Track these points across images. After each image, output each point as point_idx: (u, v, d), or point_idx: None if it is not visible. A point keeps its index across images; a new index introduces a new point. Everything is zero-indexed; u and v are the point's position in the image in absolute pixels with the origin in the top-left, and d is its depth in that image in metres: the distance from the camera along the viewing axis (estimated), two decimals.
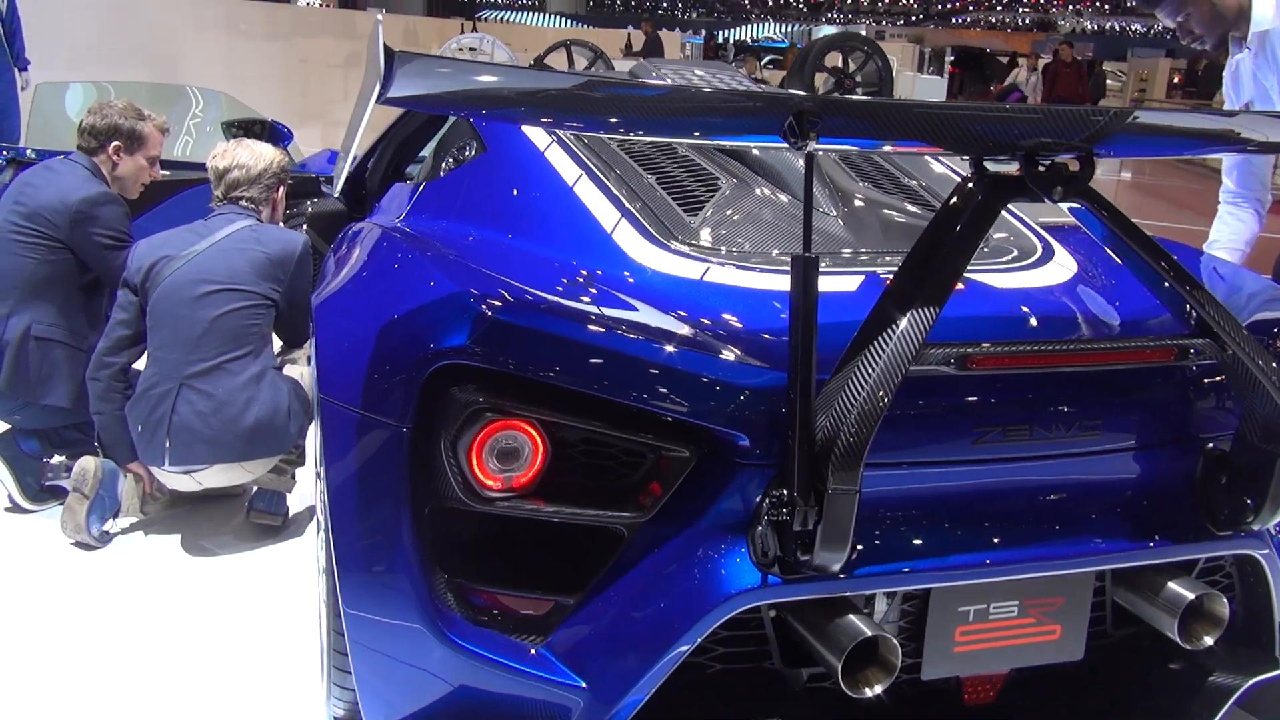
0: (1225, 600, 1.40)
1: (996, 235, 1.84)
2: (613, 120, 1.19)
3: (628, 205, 1.74)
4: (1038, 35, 34.21)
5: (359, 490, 1.35)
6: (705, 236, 1.69)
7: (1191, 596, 1.39)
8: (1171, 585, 1.41)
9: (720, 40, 25.26)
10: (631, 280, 1.53)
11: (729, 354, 1.31)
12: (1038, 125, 1.19)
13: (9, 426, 2.72)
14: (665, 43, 14.58)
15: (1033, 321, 1.49)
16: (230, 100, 4.37)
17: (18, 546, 2.49)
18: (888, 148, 1.82)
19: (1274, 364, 1.30)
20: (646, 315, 1.39)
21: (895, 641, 1.24)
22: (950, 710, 1.46)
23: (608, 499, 1.30)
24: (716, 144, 2.07)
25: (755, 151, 2.04)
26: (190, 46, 8.23)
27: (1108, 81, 16.42)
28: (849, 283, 1.58)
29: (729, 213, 1.78)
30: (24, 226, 2.59)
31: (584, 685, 1.26)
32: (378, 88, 0.99)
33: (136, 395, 2.39)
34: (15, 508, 2.65)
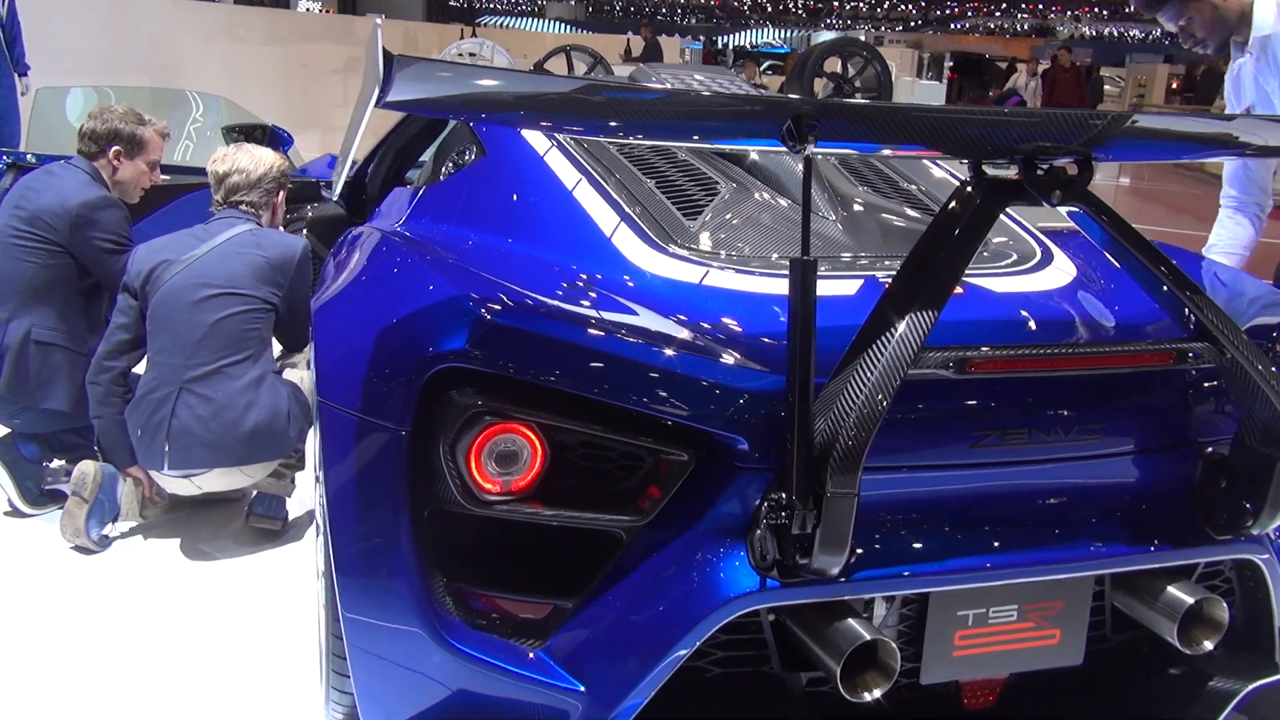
0: (1225, 605, 1.40)
1: (996, 239, 1.85)
2: (612, 124, 1.19)
3: (627, 209, 1.74)
4: (1036, 41, 34.30)
5: (358, 493, 1.35)
6: (704, 241, 1.70)
7: (1191, 601, 1.38)
8: (1171, 590, 1.41)
9: (719, 46, 25.30)
10: (630, 284, 1.54)
11: (728, 357, 1.31)
12: (1036, 129, 1.20)
13: (9, 431, 2.72)
14: (664, 48, 14.62)
15: (1031, 325, 1.49)
16: (230, 105, 4.38)
17: (17, 551, 2.49)
18: (887, 151, 1.83)
19: (1273, 368, 1.30)
20: (645, 319, 1.39)
21: (894, 646, 1.24)
22: (950, 715, 1.46)
23: (606, 502, 1.29)
24: (715, 149, 2.07)
25: (754, 156, 2.04)
26: (190, 52, 8.26)
27: (1105, 87, 16.46)
28: (848, 286, 1.58)
29: (728, 217, 1.79)
30: (24, 231, 2.59)
31: (582, 689, 1.26)
32: (376, 91, 0.99)
33: (136, 399, 2.39)
34: (15, 512, 2.64)
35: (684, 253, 1.63)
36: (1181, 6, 2.48)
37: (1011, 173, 1.25)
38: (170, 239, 2.47)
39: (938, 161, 2.28)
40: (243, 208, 2.54)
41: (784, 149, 1.14)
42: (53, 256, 2.61)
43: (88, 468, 2.47)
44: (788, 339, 1.18)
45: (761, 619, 1.34)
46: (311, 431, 2.17)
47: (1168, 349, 1.33)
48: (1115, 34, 46.21)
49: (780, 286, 1.23)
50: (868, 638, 1.22)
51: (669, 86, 1.91)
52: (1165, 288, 1.33)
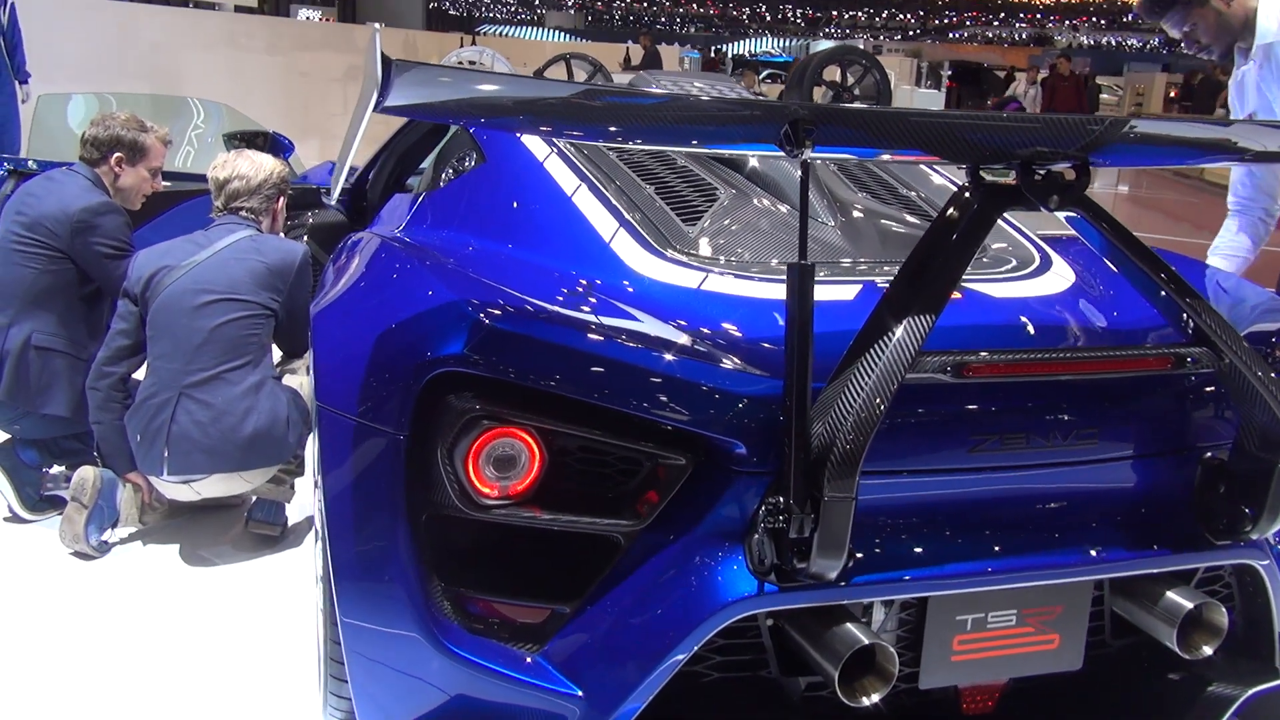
0: (1224, 610, 1.40)
1: (995, 245, 1.85)
2: (611, 129, 1.20)
3: (626, 215, 1.74)
4: (1034, 50, 34.43)
5: (356, 498, 1.35)
6: (702, 246, 1.70)
7: (1190, 606, 1.38)
8: (1170, 595, 1.41)
9: (713, 54, 25.38)
10: (628, 289, 1.54)
11: (726, 362, 1.31)
12: (1034, 134, 1.20)
13: (9, 436, 2.72)
14: (664, 57, 14.67)
15: (1030, 330, 1.50)
16: (232, 112, 4.39)
17: (16, 556, 2.49)
18: (886, 156, 1.83)
19: (1272, 373, 1.30)
20: (643, 324, 1.39)
21: (892, 650, 1.23)
22: None
23: (604, 507, 1.30)
24: (715, 155, 2.08)
25: (754, 163, 2.05)
26: (191, 60, 8.29)
27: (1102, 96, 16.51)
28: (846, 292, 1.59)
29: (727, 222, 1.79)
30: (25, 236, 2.59)
31: (580, 694, 1.26)
32: (375, 96, 1.00)
33: (135, 405, 2.39)
34: (14, 517, 2.64)
35: (682, 258, 1.63)
36: (1185, 13, 2.49)
37: (1009, 178, 1.25)
38: (170, 245, 2.47)
39: (937, 168, 2.29)
40: (243, 214, 2.54)
41: (782, 154, 1.14)
42: (54, 262, 2.61)
43: (87, 473, 2.46)
44: (785, 343, 1.18)
45: (760, 623, 1.34)
46: (311, 437, 2.17)
47: (1166, 354, 1.34)
48: (1113, 43, 46.38)
49: (778, 291, 1.23)
50: (866, 642, 1.21)
51: (668, 91, 1.92)
52: (1163, 293, 1.34)
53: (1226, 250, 2.63)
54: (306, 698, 1.95)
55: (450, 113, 1.27)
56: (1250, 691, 1.48)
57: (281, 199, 2.64)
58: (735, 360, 1.32)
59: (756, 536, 1.22)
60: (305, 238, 3.17)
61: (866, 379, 1.15)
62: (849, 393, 1.16)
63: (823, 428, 1.17)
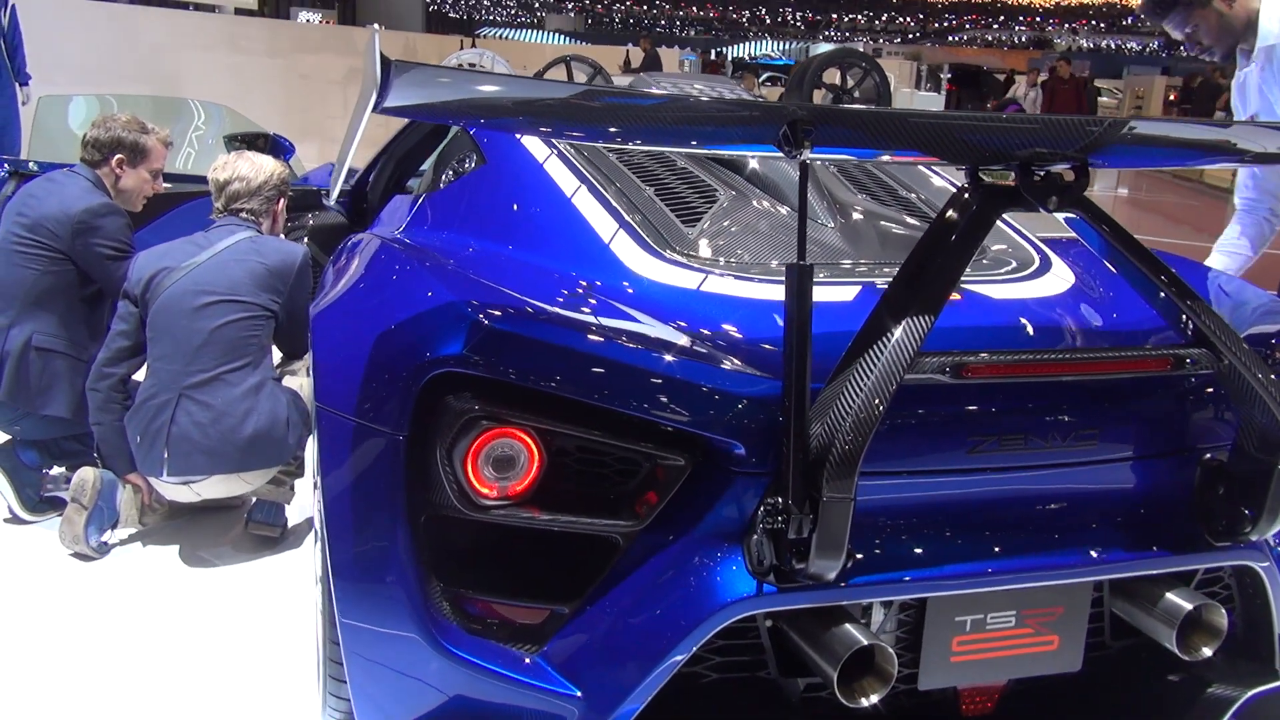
0: (1224, 611, 1.39)
1: (995, 247, 1.85)
2: (610, 130, 1.20)
3: (625, 216, 1.75)
4: (1034, 53, 34.46)
5: (355, 498, 1.35)
6: (702, 247, 1.70)
7: (1190, 607, 1.38)
8: (1170, 596, 1.40)
9: (714, 57, 25.40)
10: (627, 290, 1.54)
11: (725, 363, 1.31)
12: (1033, 135, 1.20)
13: (9, 437, 2.72)
14: (663, 60, 14.68)
15: (1029, 331, 1.50)
16: (233, 114, 4.40)
17: (16, 557, 2.49)
18: (886, 158, 1.83)
19: (1271, 375, 1.30)
20: (642, 324, 1.39)
21: (891, 651, 1.23)
22: None
23: (603, 507, 1.30)
24: (715, 156, 2.08)
25: (754, 165, 2.05)
26: (191, 62, 8.29)
27: (1101, 99, 16.52)
28: (846, 293, 1.59)
29: (726, 224, 1.79)
30: (26, 238, 2.60)
31: (579, 694, 1.26)
32: (374, 96, 1.00)
33: (135, 406, 2.39)
34: (14, 518, 2.64)
35: (682, 259, 1.63)
36: (1187, 14, 2.49)
37: (1008, 179, 1.25)
38: (170, 246, 2.48)
39: (937, 170, 2.29)
40: (243, 215, 2.55)
41: (781, 155, 1.14)
42: (54, 263, 2.61)
43: (87, 474, 2.46)
44: (784, 344, 1.18)
45: (759, 624, 1.34)
46: (311, 438, 2.17)
47: (1165, 355, 1.34)
48: (1113, 46, 46.43)
49: (778, 293, 1.23)
50: (865, 643, 1.21)
51: (668, 92, 1.92)
52: (1163, 294, 1.34)
53: (1229, 247, 2.63)
54: (306, 698, 1.95)
55: (449, 113, 1.27)
56: (1250, 693, 1.48)
57: (282, 201, 2.64)
58: (734, 361, 1.32)
59: (755, 537, 1.22)
60: (305, 239, 3.17)
61: (865, 380, 1.15)
62: (848, 393, 1.16)
63: (821, 428, 1.17)
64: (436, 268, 1.60)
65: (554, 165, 1.95)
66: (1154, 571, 1.41)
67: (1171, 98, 16.68)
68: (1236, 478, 1.38)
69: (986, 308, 1.57)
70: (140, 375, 2.46)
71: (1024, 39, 48.24)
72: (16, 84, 5.60)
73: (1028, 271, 1.75)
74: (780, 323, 1.20)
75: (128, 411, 2.41)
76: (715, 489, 1.28)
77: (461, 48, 10.82)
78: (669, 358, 1.29)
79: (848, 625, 1.25)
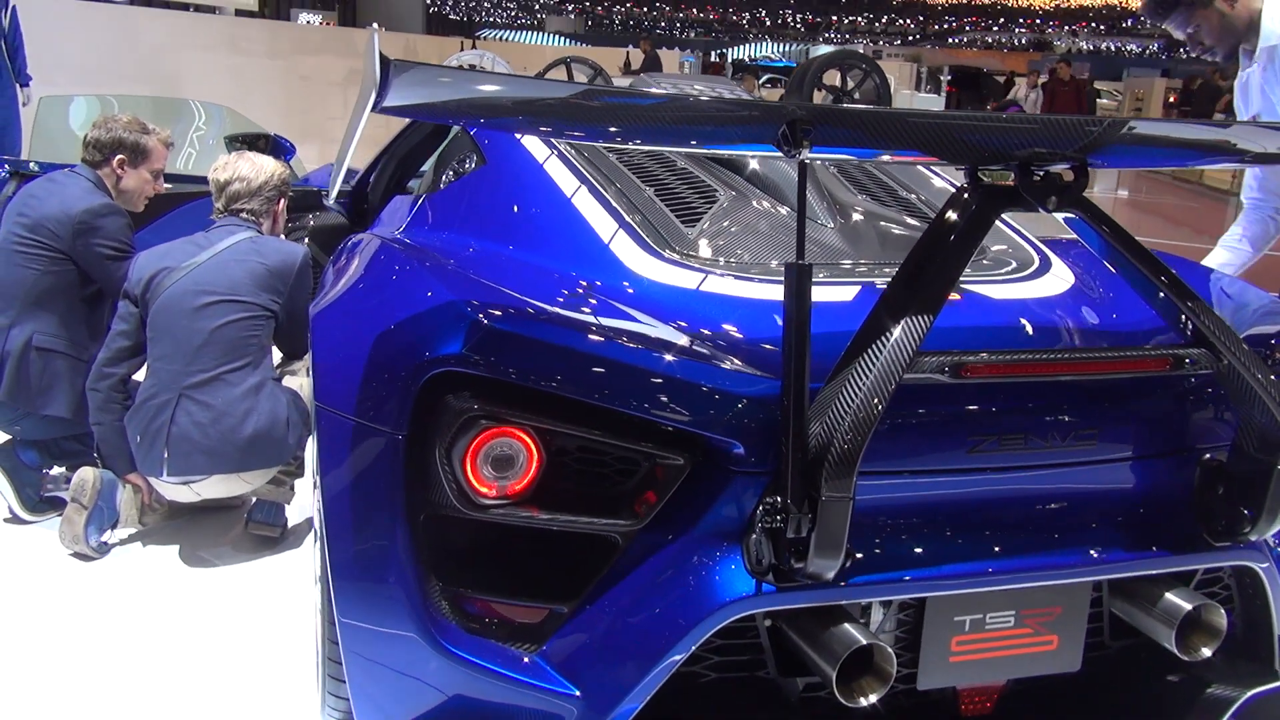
0: (1223, 611, 1.39)
1: (995, 247, 1.85)
2: (609, 129, 1.20)
3: (625, 216, 1.75)
4: (1034, 55, 34.49)
5: (354, 497, 1.35)
6: (701, 247, 1.70)
7: (1189, 608, 1.38)
8: (1169, 596, 1.40)
9: (715, 58, 25.41)
10: (626, 290, 1.54)
11: (724, 362, 1.31)
12: (1032, 135, 1.20)
13: (9, 437, 2.72)
14: (664, 62, 14.70)
15: (1029, 332, 1.50)
16: (233, 115, 4.40)
17: (16, 557, 2.49)
18: (886, 157, 1.83)
19: (1270, 375, 1.30)
20: (641, 324, 1.39)
21: (890, 650, 1.23)
22: None
23: (602, 506, 1.30)
24: (715, 157, 2.09)
25: (755, 165, 2.05)
26: (192, 64, 8.30)
27: (1101, 100, 16.53)
28: (846, 293, 1.59)
29: (726, 224, 1.80)
30: (27, 238, 2.60)
31: (578, 694, 1.26)
32: (373, 96, 1.00)
33: (136, 406, 2.39)
34: (14, 518, 2.64)
35: (681, 259, 1.64)
36: (1189, 14, 2.49)
37: (1007, 179, 1.25)
38: (171, 246, 2.48)
39: (937, 171, 2.29)
40: (243, 215, 2.55)
41: (781, 156, 1.14)
42: (55, 263, 2.62)
43: (87, 474, 2.46)
44: (783, 343, 1.18)
45: (758, 623, 1.34)
46: (311, 438, 2.17)
47: (1164, 355, 1.34)
48: (1112, 48, 46.46)
49: (777, 292, 1.23)
50: (863, 642, 1.21)
51: (667, 92, 1.92)
52: (1162, 295, 1.34)
53: (1231, 243, 2.63)
54: (305, 698, 1.95)
55: (449, 113, 1.27)
56: (1250, 693, 1.48)
57: (282, 201, 2.65)
58: (733, 361, 1.32)
59: (754, 536, 1.22)
60: (306, 240, 3.17)
61: (864, 379, 1.15)
62: (847, 393, 1.16)
63: (820, 428, 1.17)
64: (436, 267, 1.60)
65: (554, 165, 1.95)
66: (1153, 571, 1.41)
67: (1171, 100, 16.69)
68: (1236, 478, 1.38)
69: (986, 308, 1.57)
70: (140, 375, 2.46)
71: (1024, 41, 48.26)
72: (17, 85, 5.60)
73: (1027, 272, 1.75)
74: (780, 322, 1.21)
75: (128, 411, 2.41)
76: (714, 488, 1.28)
77: (462, 49, 10.83)
78: (668, 357, 1.30)
79: (846, 625, 1.25)
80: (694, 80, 2.56)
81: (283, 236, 2.69)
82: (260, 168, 2.58)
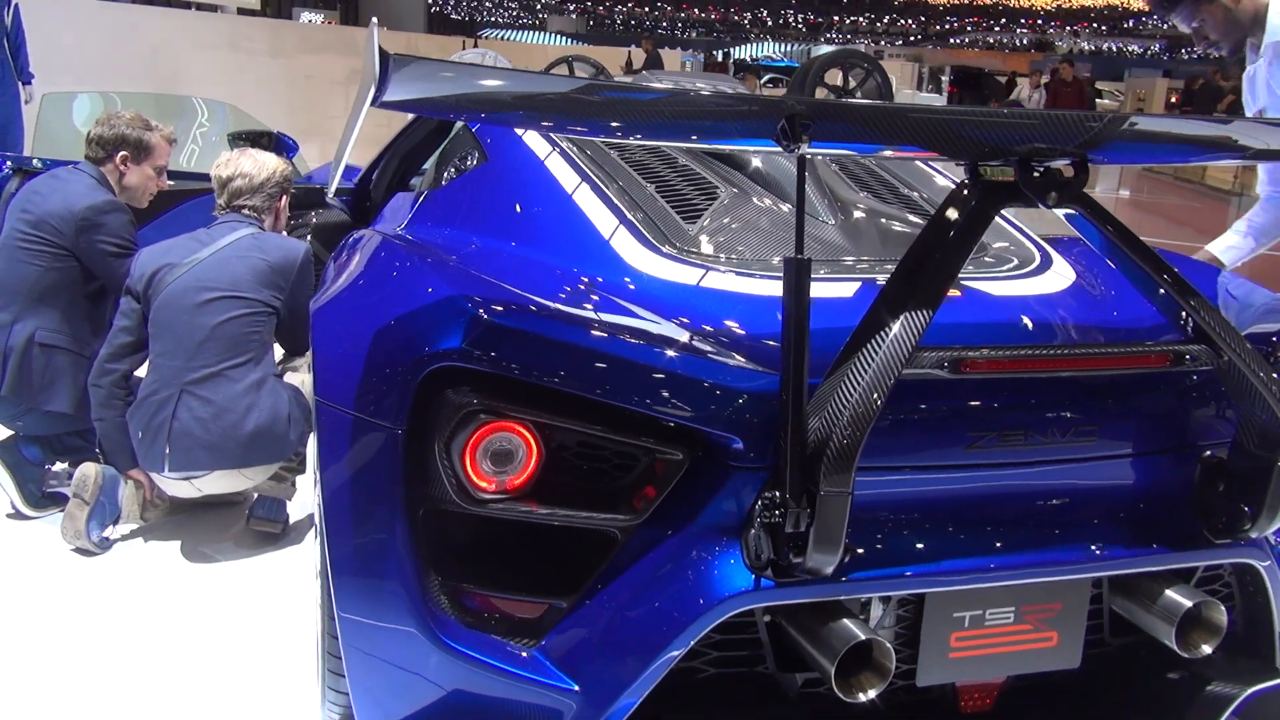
0: (1223, 609, 1.39)
1: (996, 244, 1.85)
2: (609, 124, 1.20)
3: (626, 213, 1.75)
4: (1035, 55, 34.45)
5: (353, 492, 1.35)
6: (702, 243, 1.70)
7: (1189, 604, 1.38)
8: (1169, 593, 1.40)
9: (720, 58, 25.40)
10: (626, 285, 1.54)
11: (723, 358, 1.31)
12: (1032, 130, 1.20)
13: (11, 433, 2.72)
14: (665, 62, 14.69)
15: (1029, 328, 1.50)
16: (236, 112, 4.41)
17: (18, 552, 2.49)
18: (888, 153, 1.83)
19: (1271, 372, 1.30)
20: (641, 320, 1.39)
21: (889, 646, 1.23)
22: (946, 719, 1.45)
23: (601, 501, 1.30)
24: (715, 152, 2.09)
25: (757, 163, 2.06)
26: (194, 62, 8.30)
27: (1102, 100, 16.52)
28: (846, 289, 1.59)
29: (727, 220, 1.80)
30: (30, 234, 2.61)
31: (577, 688, 1.26)
32: (372, 90, 0.99)
33: (137, 402, 2.40)
34: (16, 514, 2.65)
35: (681, 255, 1.64)
36: (1194, 8, 2.48)
37: (1008, 174, 1.25)
38: (173, 243, 2.48)
39: (940, 168, 2.29)
40: (245, 212, 2.55)
41: (783, 152, 1.14)
42: (58, 260, 2.62)
43: (89, 470, 2.47)
44: (782, 338, 1.18)
45: (756, 619, 1.34)
46: (312, 433, 2.17)
47: (1164, 351, 1.34)
48: (1114, 49, 46.41)
49: (777, 288, 1.23)
50: (862, 637, 1.21)
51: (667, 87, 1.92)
52: (1163, 291, 1.34)
53: (1241, 227, 2.62)
54: (306, 694, 1.95)
55: (449, 108, 1.27)
56: (1250, 690, 1.48)
57: (284, 198, 2.65)
58: (732, 356, 1.32)
59: (753, 532, 1.22)
60: (309, 237, 3.17)
61: (863, 374, 1.15)
62: (845, 388, 1.16)
63: (819, 423, 1.17)
64: (437, 263, 1.60)
65: (555, 162, 1.95)
66: (1153, 568, 1.41)
67: (1173, 100, 16.68)
68: (1236, 475, 1.38)
69: (987, 304, 1.57)
70: (142, 371, 2.47)
71: (1025, 42, 48.22)
72: (19, 82, 5.61)
73: (1028, 269, 1.75)
74: (778, 317, 1.20)
75: (130, 407, 2.42)
76: (713, 484, 1.28)
77: (464, 48, 10.83)
78: (668, 353, 1.30)
79: (845, 620, 1.25)
80: (695, 78, 2.56)
81: (284, 233, 2.70)
82: (262, 164, 2.58)
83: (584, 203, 1.80)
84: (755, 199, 1.90)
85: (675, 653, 1.23)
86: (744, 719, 1.36)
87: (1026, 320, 1.52)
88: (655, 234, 1.69)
